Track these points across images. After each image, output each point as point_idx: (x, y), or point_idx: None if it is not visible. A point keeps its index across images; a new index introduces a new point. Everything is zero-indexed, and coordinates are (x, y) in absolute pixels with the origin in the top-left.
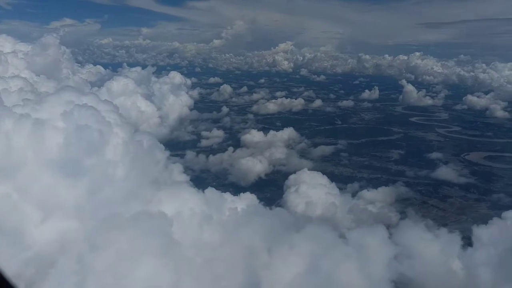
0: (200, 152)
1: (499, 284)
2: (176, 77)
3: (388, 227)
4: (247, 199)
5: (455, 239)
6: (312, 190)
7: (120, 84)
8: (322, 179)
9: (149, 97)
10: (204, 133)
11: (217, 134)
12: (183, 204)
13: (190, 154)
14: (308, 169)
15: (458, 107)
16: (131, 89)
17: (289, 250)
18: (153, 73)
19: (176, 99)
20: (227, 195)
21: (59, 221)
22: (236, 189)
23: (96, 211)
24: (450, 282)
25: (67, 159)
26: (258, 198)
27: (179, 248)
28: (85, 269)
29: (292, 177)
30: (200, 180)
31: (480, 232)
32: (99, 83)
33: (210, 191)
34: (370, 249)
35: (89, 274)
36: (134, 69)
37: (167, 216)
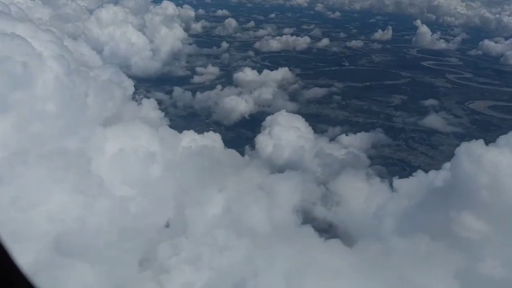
0: (190, 89)
1: (402, 234)
2: (169, 7)
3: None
4: (211, 139)
5: (384, 188)
6: (285, 132)
7: (110, 13)
8: (299, 122)
9: (141, 28)
10: (198, 69)
11: (211, 71)
12: (130, 141)
13: (177, 90)
14: (292, 112)
15: (473, 52)
16: (122, 18)
17: (218, 191)
18: (152, 2)
19: (169, 32)
20: (190, 133)
21: None
22: (218, 127)
23: (16, 148)
24: (368, 229)
25: None
26: (236, 138)
27: (98, 185)
28: None
29: (269, 118)
30: (181, 117)
31: (401, 184)
32: None
33: (164, 130)
34: (282, 194)
35: None
36: None
37: (85, 153)
